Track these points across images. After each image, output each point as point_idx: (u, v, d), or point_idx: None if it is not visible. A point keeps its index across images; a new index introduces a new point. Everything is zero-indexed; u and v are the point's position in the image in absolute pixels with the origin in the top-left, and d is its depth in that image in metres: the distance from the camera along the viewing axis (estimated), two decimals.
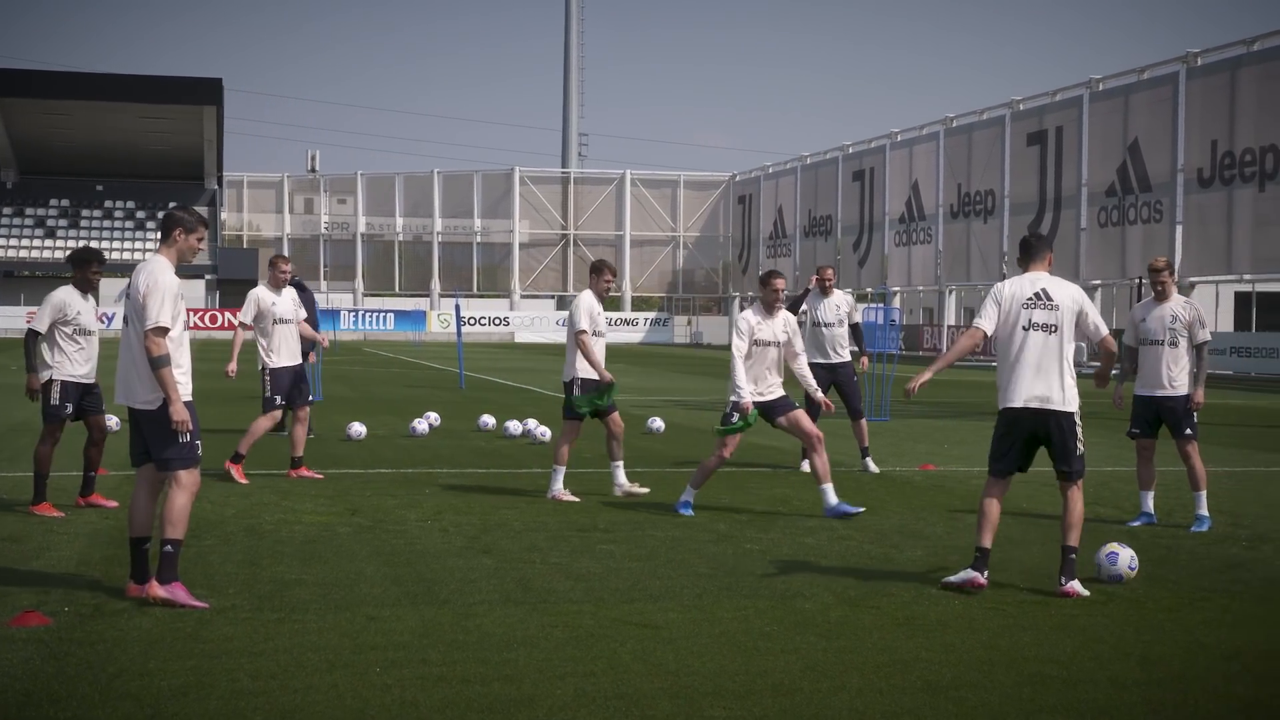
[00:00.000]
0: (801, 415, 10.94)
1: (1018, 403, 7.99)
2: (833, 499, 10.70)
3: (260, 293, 12.82)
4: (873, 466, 13.83)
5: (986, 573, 7.99)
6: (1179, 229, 42.93)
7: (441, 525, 9.98)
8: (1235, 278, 42.69)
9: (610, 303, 78.53)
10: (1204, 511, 10.47)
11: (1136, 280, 44.25)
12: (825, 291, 13.97)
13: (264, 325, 12.69)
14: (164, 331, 7.24)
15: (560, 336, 66.94)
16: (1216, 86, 41.93)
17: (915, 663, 6.26)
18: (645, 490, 11.65)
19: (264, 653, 6.25)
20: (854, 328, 14.03)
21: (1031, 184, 50.82)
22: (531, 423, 16.80)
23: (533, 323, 71.74)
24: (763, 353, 10.78)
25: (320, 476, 12.60)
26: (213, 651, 6.25)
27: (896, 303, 59.00)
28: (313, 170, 79.94)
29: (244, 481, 12.05)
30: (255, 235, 78.66)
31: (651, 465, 14.06)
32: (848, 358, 13.89)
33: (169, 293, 7.29)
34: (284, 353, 12.70)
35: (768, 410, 10.83)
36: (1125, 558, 8.20)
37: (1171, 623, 7.17)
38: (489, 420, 18.01)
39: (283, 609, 7.12)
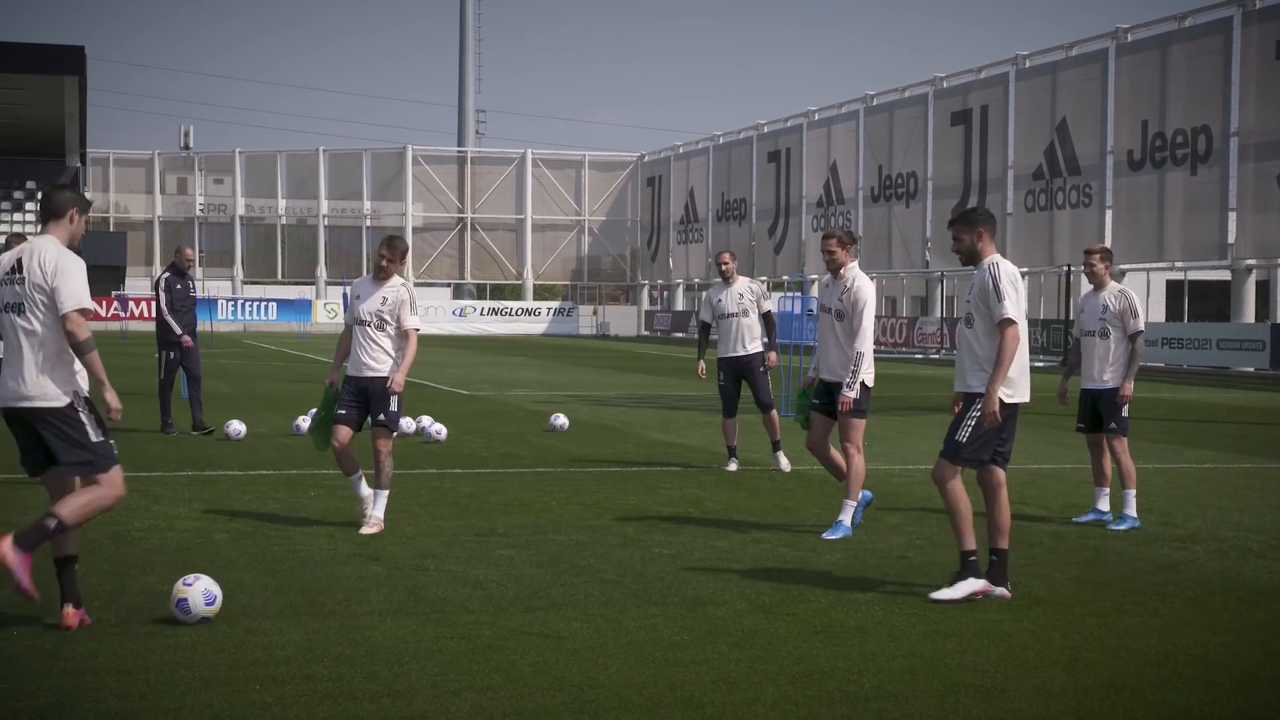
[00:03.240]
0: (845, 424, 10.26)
1: None
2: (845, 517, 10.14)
3: None
4: (785, 463, 13.71)
5: None
6: (1109, 214, 43.67)
7: (328, 531, 9.90)
8: (1167, 265, 43.51)
9: (511, 291, 78.59)
10: (1131, 511, 10.68)
11: (1065, 268, 45.03)
12: (726, 280, 13.72)
13: None
14: (89, 314, 7.12)
15: (456, 327, 66.77)
16: (1147, 64, 42.72)
17: (833, 672, 6.33)
18: (376, 530, 9.93)
19: (133, 670, 6.16)
20: (765, 317, 13.69)
21: (956, 166, 51.47)
22: (426, 420, 16.70)
23: (427, 312, 70.94)
24: (824, 319, 10.42)
25: None
26: (75, 670, 6.15)
27: (814, 291, 59.43)
28: (186, 147, 78.54)
29: None
30: (123, 217, 77.24)
31: (554, 465, 14.05)
32: (758, 349, 13.68)
33: (83, 270, 7.15)
34: None
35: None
36: None
37: (1100, 628, 7.31)
38: None
39: (154, 623, 7.02)
